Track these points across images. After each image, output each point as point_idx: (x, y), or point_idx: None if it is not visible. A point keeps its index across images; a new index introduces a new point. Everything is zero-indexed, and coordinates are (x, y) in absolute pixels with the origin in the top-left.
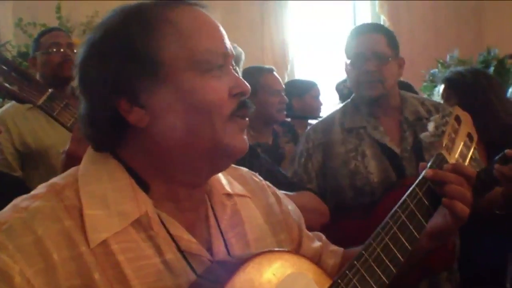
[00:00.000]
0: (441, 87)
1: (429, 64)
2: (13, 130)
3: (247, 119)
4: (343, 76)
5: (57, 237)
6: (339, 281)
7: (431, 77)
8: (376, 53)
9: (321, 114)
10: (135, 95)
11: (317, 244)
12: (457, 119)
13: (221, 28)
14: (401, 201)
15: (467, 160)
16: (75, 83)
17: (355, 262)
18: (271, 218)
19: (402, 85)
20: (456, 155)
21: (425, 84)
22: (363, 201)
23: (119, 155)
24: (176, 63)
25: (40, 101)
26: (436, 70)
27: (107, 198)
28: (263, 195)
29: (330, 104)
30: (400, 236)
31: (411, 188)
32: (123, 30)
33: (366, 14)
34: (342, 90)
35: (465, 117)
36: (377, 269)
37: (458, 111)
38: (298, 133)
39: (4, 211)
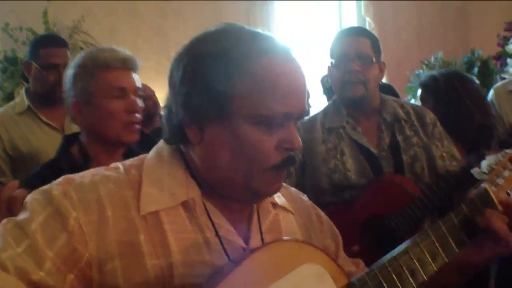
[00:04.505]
0: (419, 91)
1: (414, 65)
2: (4, 135)
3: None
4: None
5: (115, 200)
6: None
7: (416, 78)
8: (360, 54)
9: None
10: (199, 118)
11: (352, 268)
12: (511, 160)
13: (300, 87)
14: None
15: None
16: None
17: (374, 268)
18: (310, 233)
19: (383, 86)
20: (503, 191)
21: (409, 85)
22: (343, 196)
23: (183, 151)
24: (239, 110)
25: None
26: (421, 71)
27: (163, 182)
28: (305, 214)
29: (316, 100)
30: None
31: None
32: (210, 59)
33: (352, 16)
34: (326, 84)
35: None
36: (396, 279)
37: None
38: None
39: (81, 174)
